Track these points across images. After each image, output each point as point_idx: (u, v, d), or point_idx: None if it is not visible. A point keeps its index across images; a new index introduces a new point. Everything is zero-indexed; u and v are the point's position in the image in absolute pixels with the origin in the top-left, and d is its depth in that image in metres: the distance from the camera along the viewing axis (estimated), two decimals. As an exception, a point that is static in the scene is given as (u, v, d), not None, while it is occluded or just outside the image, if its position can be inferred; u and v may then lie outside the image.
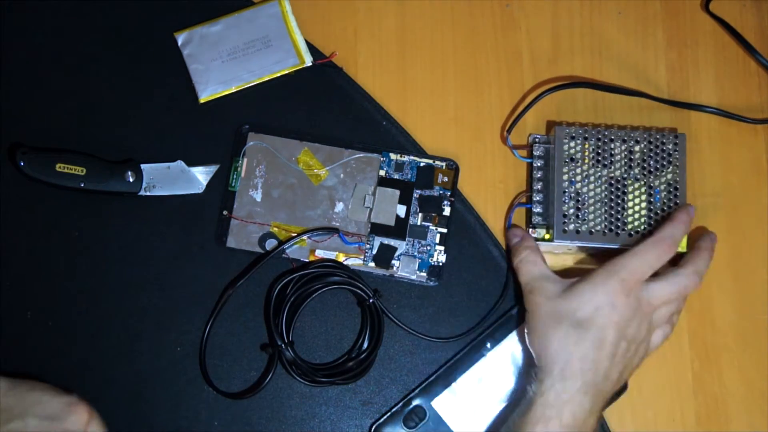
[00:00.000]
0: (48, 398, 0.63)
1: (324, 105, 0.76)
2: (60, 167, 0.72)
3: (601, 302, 0.63)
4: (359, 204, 0.74)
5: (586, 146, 0.71)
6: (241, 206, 0.74)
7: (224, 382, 0.72)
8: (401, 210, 0.74)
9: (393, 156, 0.75)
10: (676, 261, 0.68)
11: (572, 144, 0.71)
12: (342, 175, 0.75)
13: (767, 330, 0.73)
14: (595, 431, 0.64)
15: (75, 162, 0.72)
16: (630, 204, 0.71)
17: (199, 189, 0.74)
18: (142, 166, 0.73)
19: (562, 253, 0.74)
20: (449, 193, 0.74)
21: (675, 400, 0.72)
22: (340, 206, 0.74)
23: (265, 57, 0.76)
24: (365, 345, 0.72)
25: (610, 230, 0.70)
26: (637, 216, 0.70)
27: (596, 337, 0.63)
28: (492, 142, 0.76)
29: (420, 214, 0.74)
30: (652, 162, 0.71)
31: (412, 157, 0.75)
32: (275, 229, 0.74)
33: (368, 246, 0.73)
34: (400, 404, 0.71)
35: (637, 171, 0.71)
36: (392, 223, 0.74)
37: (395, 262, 0.73)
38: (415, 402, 0.71)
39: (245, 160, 0.75)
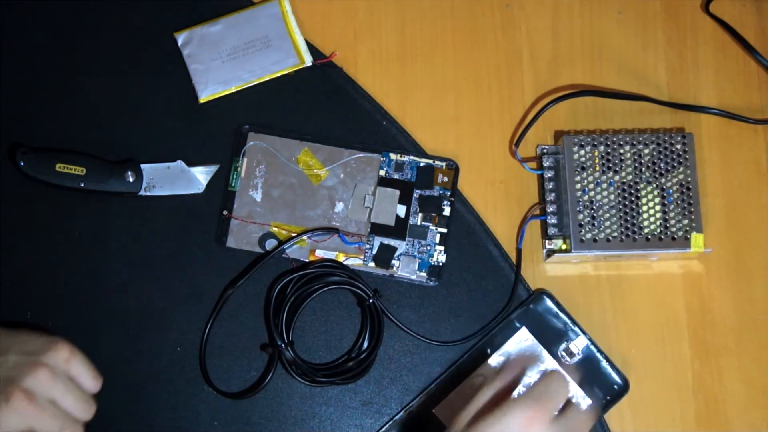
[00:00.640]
0: (29, 337, 0.63)
1: (324, 105, 0.76)
2: (60, 167, 0.72)
3: None
4: (359, 204, 0.74)
5: (596, 153, 0.71)
6: (241, 206, 0.74)
7: (224, 382, 0.72)
8: (401, 210, 0.74)
9: (393, 156, 0.75)
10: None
11: (581, 152, 0.71)
12: (342, 175, 0.75)
13: (767, 330, 0.73)
14: None
15: (75, 162, 0.72)
16: (644, 208, 0.70)
17: (199, 189, 0.74)
18: (142, 166, 0.73)
19: (579, 262, 0.73)
20: (449, 193, 0.74)
21: (675, 400, 0.72)
22: (340, 206, 0.74)
23: (265, 57, 0.76)
24: (365, 345, 0.72)
25: (627, 236, 0.70)
26: (652, 219, 0.70)
27: None
28: (492, 142, 0.76)
29: (420, 214, 0.74)
30: (662, 164, 0.71)
31: (412, 157, 0.75)
32: (275, 229, 0.74)
33: (368, 246, 0.73)
34: (401, 413, 0.71)
35: (648, 174, 0.71)
36: (392, 223, 0.73)
37: (395, 262, 0.73)
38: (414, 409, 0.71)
39: (245, 160, 0.75)
